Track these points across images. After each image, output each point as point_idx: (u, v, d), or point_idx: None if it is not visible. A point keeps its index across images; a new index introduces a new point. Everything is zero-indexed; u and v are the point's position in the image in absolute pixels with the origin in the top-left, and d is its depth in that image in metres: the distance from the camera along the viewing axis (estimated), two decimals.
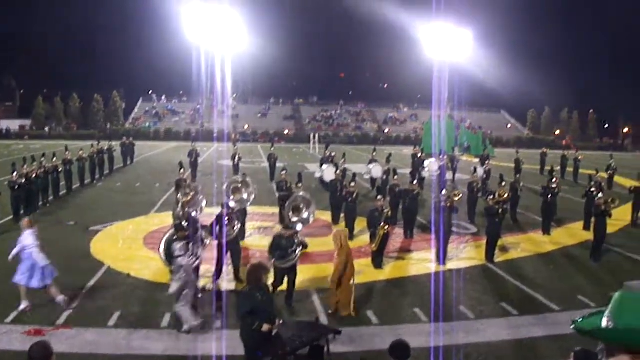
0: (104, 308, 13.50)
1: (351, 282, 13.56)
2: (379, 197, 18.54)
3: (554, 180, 24.38)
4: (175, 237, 12.90)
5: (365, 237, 19.20)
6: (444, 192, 19.07)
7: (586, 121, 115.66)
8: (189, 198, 16.32)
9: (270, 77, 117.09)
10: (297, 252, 13.61)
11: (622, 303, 4.70)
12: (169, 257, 12.95)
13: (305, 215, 13.89)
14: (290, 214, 14.66)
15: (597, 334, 4.94)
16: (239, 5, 75.12)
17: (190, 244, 12.76)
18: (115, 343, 11.67)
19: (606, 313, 4.70)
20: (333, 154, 36.22)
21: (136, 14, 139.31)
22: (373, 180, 31.60)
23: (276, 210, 23.39)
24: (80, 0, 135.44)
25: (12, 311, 13.12)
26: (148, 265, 16.98)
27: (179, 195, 17.64)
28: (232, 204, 16.70)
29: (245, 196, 17.51)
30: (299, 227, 15.01)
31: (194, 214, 15.21)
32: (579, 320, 5.09)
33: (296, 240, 13.82)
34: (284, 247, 13.47)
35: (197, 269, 13.18)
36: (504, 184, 22.11)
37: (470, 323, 13.09)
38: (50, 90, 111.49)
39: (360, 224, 20.80)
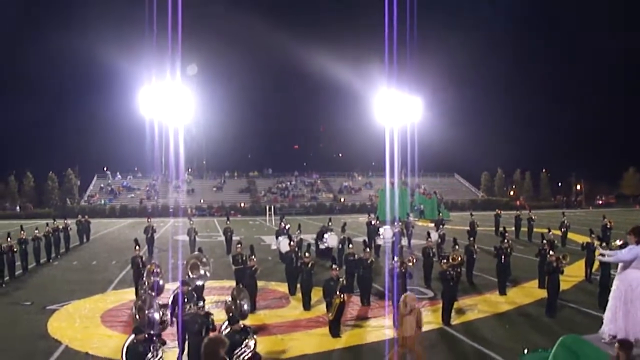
0: None
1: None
2: (334, 266, 18.73)
3: (505, 240, 24.74)
4: (135, 341, 12.88)
5: (322, 307, 19.23)
6: (396, 258, 19.33)
7: (539, 181, 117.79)
8: (152, 267, 16.29)
9: (224, 151, 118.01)
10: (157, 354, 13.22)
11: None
12: None
13: (150, 315, 13.79)
14: (189, 272, 14.49)
15: None
16: (193, 82, 75.85)
17: (152, 346, 12.77)
18: None
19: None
20: (288, 226, 36.36)
21: (90, 92, 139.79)
22: (328, 250, 31.69)
23: (233, 283, 23.41)
24: (36, 77, 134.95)
25: None
26: (106, 344, 16.79)
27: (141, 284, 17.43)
28: (198, 282, 16.70)
29: (202, 272, 17.53)
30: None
31: (157, 281, 15.26)
32: (525, 355, 5.33)
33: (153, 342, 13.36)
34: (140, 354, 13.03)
35: None
36: (457, 247, 22.45)
37: None
38: (2, 169, 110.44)
39: (317, 293, 20.86)
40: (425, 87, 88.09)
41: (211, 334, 9.99)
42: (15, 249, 28.78)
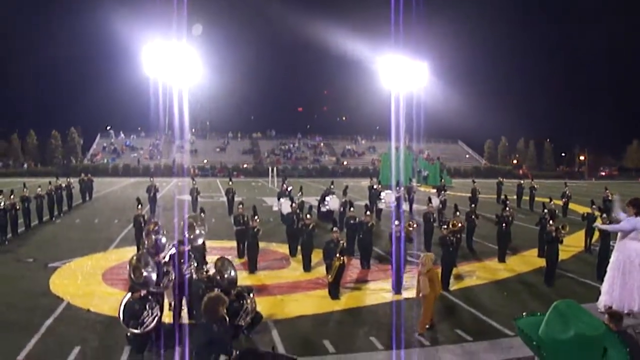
0: (63, 343, 13.53)
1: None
2: (335, 228, 18.83)
3: (507, 208, 24.80)
4: (131, 299, 13.04)
5: (322, 269, 19.37)
6: (396, 222, 19.38)
7: (542, 150, 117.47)
8: (153, 226, 16.31)
9: (228, 111, 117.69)
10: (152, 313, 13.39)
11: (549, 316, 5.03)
12: (128, 320, 12.97)
13: (146, 274, 13.85)
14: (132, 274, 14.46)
15: (522, 335, 5.29)
16: (197, 41, 75.49)
17: (147, 304, 12.94)
18: None
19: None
20: (290, 188, 36.45)
21: (94, 50, 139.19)
22: (330, 213, 31.78)
23: (234, 244, 23.55)
24: (38, 36, 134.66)
25: None
26: (107, 301, 16.94)
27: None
28: (195, 242, 16.74)
29: (198, 232, 17.55)
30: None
31: (158, 240, 15.32)
32: (521, 318, 5.41)
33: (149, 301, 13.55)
34: (137, 312, 13.19)
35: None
36: (458, 213, 22.54)
37: (426, 350, 13.30)
38: (6, 128, 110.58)
39: (317, 255, 20.98)
40: (432, 52, 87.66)
41: (211, 293, 10.06)
42: (18, 207, 28.89)
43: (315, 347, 13.47)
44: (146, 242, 15.27)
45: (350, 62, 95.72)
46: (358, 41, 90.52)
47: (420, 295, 14.37)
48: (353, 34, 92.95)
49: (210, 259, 20.81)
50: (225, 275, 14.06)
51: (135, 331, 12.75)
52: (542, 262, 21.42)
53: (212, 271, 14.38)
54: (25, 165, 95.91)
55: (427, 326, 14.48)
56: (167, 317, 14.61)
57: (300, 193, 33.15)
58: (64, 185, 39.47)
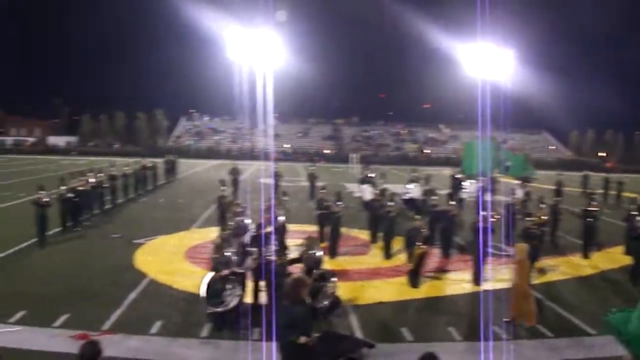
0: (146, 317, 14.03)
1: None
2: (417, 216, 18.76)
3: (593, 203, 24.26)
4: (214, 278, 13.34)
5: (402, 256, 19.38)
6: (482, 213, 19.15)
7: (632, 143, 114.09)
8: (237, 208, 16.54)
9: (311, 97, 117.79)
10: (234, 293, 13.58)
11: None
12: (210, 298, 13.26)
13: (228, 254, 13.99)
14: (214, 254, 14.52)
15: (613, 332, 5.21)
16: (282, 26, 75.81)
17: (228, 284, 13.21)
18: (156, 350, 12.14)
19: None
20: (372, 174, 36.41)
21: (179, 34, 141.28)
22: (412, 201, 31.66)
23: (315, 228, 23.70)
24: (126, 21, 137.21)
25: (60, 315, 13.79)
26: (189, 278, 17.41)
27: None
28: (276, 223, 16.89)
29: (279, 214, 17.70)
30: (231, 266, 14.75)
31: (242, 222, 15.56)
32: (612, 315, 5.34)
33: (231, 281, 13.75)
34: (218, 290, 13.51)
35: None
36: (543, 206, 22.15)
37: (504, 343, 13.18)
38: (95, 108, 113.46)
39: (398, 243, 20.98)
40: (518, 40, 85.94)
41: (295, 275, 10.20)
42: (105, 184, 29.76)
43: (394, 334, 13.53)
44: (230, 224, 15.52)
45: (434, 49, 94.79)
46: (443, 28, 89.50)
47: (513, 285, 14.26)
48: (438, 21, 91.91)
49: (291, 242, 21.09)
50: (310, 253, 14.23)
51: (216, 309, 13.02)
52: (628, 260, 20.92)
53: (292, 255, 14.55)
54: (117, 145, 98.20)
55: (513, 318, 14.26)
56: (248, 297, 14.84)
57: (382, 180, 33.07)
58: (149, 165, 40.36)
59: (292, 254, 14.92)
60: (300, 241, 20.19)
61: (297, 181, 49.51)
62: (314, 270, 13.65)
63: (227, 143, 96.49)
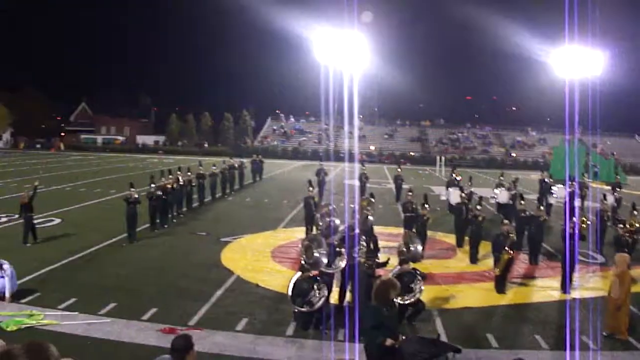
0: (232, 314, 14.30)
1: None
2: (505, 221, 18.50)
3: None
4: (301, 278, 13.48)
5: (489, 261, 19.19)
6: (572, 219, 18.76)
7: None
8: (326, 209, 16.63)
9: (397, 98, 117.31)
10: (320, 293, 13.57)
11: None
12: (296, 298, 13.38)
13: (317, 255, 13.89)
14: (303, 255, 14.50)
15: None
16: (367, 28, 75.85)
17: (315, 285, 13.32)
18: (241, 347, 12.32)
19: None
20: (459, 177, 36.10)
21: (266, 36, 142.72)
22: (499, 205, 31.29)
23: (401, 230, 23.61)
24: (214, 23, 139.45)
25: (148, 309, 14.22)
26: (275, 277, 17.71)
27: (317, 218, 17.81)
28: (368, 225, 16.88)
29: (368, 216, 17.70)
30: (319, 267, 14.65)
31: (331, 223, 15.63)
32: None
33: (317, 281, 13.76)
34: (305, 290, 13.56)
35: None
36: (636, 213, 21.53)
37: (592, 354, 12.89)
38: (182, 108, 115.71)
39: (484, 247, 20.76)
40: (609, 41, 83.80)
41: (384, 277, 10.21)
42: (194, 183, 30.41)
43: (479, 340, 13.38)
44: (319, 224, 15.60)
45: (521, 51, 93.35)
46: (531, 29, 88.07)
47: (611, 296, 13.89)
48: (525, 22, 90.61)
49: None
50: (411, 248, 14.25)
51: (302, 309, 13.13)
52: None
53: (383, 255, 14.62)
54: (207, 144, 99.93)
55: (611, 332, 13.90)
56: (334, 298, 14.91)
57: (469, 183, 32.71)
58: (236, 165, 40.88)
59: (383, 254, 14.93)
60: (383, 243, 20.24)
61: (383, 183, 49.47)
62: (407, 266, 13.72)
63: (312, 144, 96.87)
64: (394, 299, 9.42)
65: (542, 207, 22.71)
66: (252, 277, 17.72)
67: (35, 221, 22.22)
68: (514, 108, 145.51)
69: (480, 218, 21.35)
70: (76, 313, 13.81)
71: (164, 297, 15.43)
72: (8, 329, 12.54)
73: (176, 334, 12.17)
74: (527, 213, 22.81)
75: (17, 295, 14.93)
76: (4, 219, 25.99)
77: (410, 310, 13.59)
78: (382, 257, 15.36)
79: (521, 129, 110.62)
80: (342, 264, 14.54)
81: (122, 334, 12.57)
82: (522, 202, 24.19)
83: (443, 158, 73.77)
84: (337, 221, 16.12)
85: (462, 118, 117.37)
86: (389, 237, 23.72)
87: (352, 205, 17.23)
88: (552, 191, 34.30)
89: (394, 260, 15.31)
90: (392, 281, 9.59)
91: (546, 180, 36.95)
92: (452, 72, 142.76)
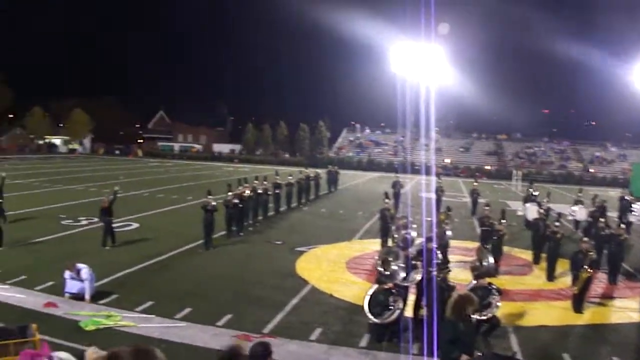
0: (306, 323, 14.35)
1: None
2: (585, 239, 18.15)
3: None
4: (377, 291, 13.45)
5: (567, 279, 18.83)
6: None
7: None
8: (402, 221, 16.61)
9: (473, 111, 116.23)
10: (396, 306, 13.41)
11: None
12: (372, 309, 13.37)
13: (395, 268, 13.73)
14: (380, 267, 14.37)
15: None
16: (444, 40, 75.40)
17: (391, 297, 13.27)
18: (315, 356, 12.36)
19: None
20: (536, 192, 35.54)
21: (342, 47, 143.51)
22: (576, 222, 30.72)
23: (476, 244, 23.36)
24: (292, 35, 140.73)
25: (223, 315, 14.41)
26: (350, 288, 17.69)
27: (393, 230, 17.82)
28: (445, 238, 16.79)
29: (445, 230, 17.62)
30: (396, 280, 14.44)
31: (408, 235, 15.58)
32: None
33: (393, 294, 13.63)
34: (381, 302, 13.41)
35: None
36: None
37: None
38: (259, 118, 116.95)
39: (562, 265, 20.38)
40: None
41: (461, 291, 10.12)
42: (270, 192, 30.64)
43: (554, 359, 13.12)
44: (395, 237, 15.55)
45: (601, 64, 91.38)
46: (611, 43, 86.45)
47: None
48: (606, 36, 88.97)
49: (451, 258, 20.89)
50: (484, 262, 14.13)
51: (377, 321, 13.10)
52: None
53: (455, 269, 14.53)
54: (287, 155, 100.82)
55: None
56: (409, 311, 14.83)
57: (547, 199, 32.17)
58: (312, 175, 41.04)
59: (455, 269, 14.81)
60: (458, 257, 20.04)
61: (459, 197, 49.06)
62: (483, 281, 13.60)
63: (387, 155, 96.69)
64: (471, 314, 9.30)
65: (622, 225, 22.12)
66: (327, 287, 17.75)
67: (114, 225, 22.72)
68: (592, 122, 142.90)
69: (558, 235, 20.96)
70: (152, 316, 14.07)
71: (238, 303, 15.59)
72: (87, 329, 12.86)
73: (251, 341, 12.43)
74: (607, 231, 22.30)
75: (96, 297, 15.32)
76: (84, 222, 26.62)
77: (485, 326, 13.43)
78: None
79: (600, 144, 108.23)
80: (418, 277, 14.46)
81: (196, 339, 12.73)
82: (602, 219, 23.69)
83: (519, 172, 72.71)
84: (414, 234, 16.07)
85: (539, 132, 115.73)
86: (465, 252, 23.51)
87: (428, 219, 17.07)
88: (633, 209, 33.53)
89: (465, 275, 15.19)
90: (469, 296, 9.50)
91: (626, 197, 36.19)
92: (530, 84, 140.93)
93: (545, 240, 22.16)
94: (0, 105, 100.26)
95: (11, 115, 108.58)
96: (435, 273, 14.24)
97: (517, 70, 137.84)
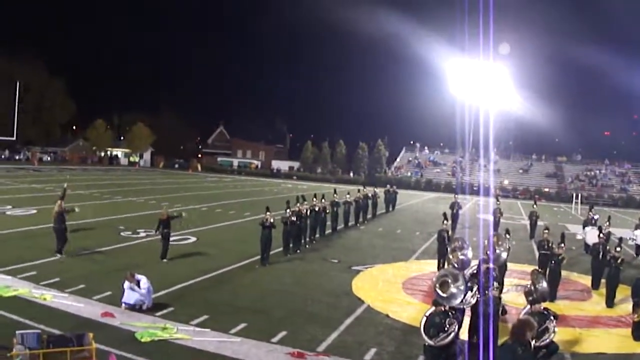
0: (361, 343, 14.31)
1: None
2: None
3: None
4: (433, 313, 13.34)
5: (627, 306, 18.41)
6: None
7: None
8: (458, 243, 16.44)
9: (533, 132, 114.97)
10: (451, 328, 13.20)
11: None
12: (427, 331, 13.28)
13: (453, 290, 13.47)
14: (438, 289, 14.14)
15: None
16: (505, 60, 75.00)
17: (447, 320, 13.14)
18: None
19: None
20: (597, 216, 34.94)
21: (402, 68, 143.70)
22: (638, 247, 30.09)
23: (534, 267, 23.03)
24: (352, 54, 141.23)
25: (278, 332, 14.46)
26: (406, 309, 17.60)
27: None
28: (498, 260, 16.59)
29: (501, 251, 17.37)
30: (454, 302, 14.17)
31: (464, 257, 15.38)
32: None
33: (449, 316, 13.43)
34: (437, 325, 13.22)
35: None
36: None
37: None
38: (317, 136, 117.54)
39: (622, 291, 19.98)
40: None
41: (522, 316, 10.00)
42: (327, 210, 30.69)
43: None
44: (451, 258, 15.39)
45: None
46: None
47: None
48: None
49: (509, 281, 20.64)
50: (538, 287, 13.97)
51: (432, 343, 12.99)
52: None
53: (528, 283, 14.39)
54: (353, 174, 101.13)
55: None
56: (464, 334, 14.67)
57: (607, 223, 31.61)
58: (370, 194, 41.00)
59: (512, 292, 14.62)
60: (516, 281, 19.76)
61: (517, 219, 48.52)
62: (538, 306, 13.42)
63: (446, 176, 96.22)
64: (530, 340, 9.18)
65: None
66: (382, 307, 17.68)
67: (171, 239, 22.98)
68: None
69: (619, 260, 20.54)
70: (207, 330, 14.17)
71: (293, 320, 15.63)
72: (142, 340, 13.00)
73: (305, 359, 12.46)
74: None
75: (152, 309, 15.50)
76: (142, 234, 26.98)
77: (543, 352, 13.22)
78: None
79: None
80: (474, 299, 14.30)
81: (250, 354, 12.77)
82: None
83: (579, 195, 71.69)
84: (470, 255, 15.87)
85: (600, 154, 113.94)
86: (522, 275, 23.21)
87: (486, 241, 16.87)
88: None
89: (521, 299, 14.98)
90: (529, 321, 9.40)
91: None
92: (591, 106, 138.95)
93: (605, 265, 21.74)
94: (64, 117, 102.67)
95: (74, 127, 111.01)
96: (492, 293, 14.08)
97: (579, 91, 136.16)
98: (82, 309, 15.01)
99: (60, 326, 13.19)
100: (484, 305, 14.02)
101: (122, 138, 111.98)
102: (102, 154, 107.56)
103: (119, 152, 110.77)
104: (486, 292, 14.19)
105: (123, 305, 15.46)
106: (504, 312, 14.24)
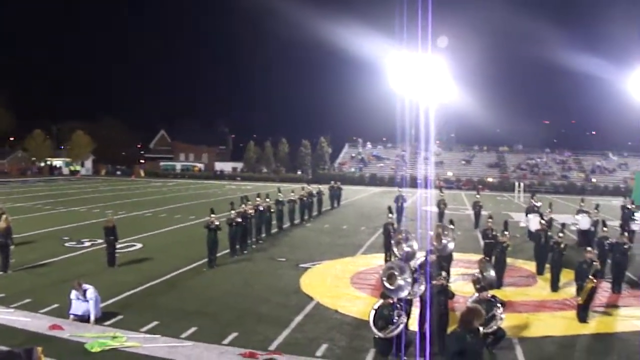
0: (312, 339, 14.41)
1: None
2: (589, 248, 18.15)
3: None
4: (382, 306, 13.49)
5: (571, 290, 18.85)
6: None
7: None
8: (401, 235, 16.59)
9: (474, 124, 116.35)
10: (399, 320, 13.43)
11: None
12: (376, 324, 13.42)
13: (400, 282, 13.71)
14: (385, 281, 14.37)
15: None
16: (443, 53, 75.57)
17: (395, 311, 13.31)
18: None
19: None
20: (539, 204, 35.54)
21: (340, 64, 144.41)
22: (580, 232, 30.67)
23: (479, 256, 23.33)
24: (290, 51, 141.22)
25: (229, 333, 14.49)
26: (355, 304, 17.75)
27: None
28: (444, 251, 16.80)
29: (446, 242, 17.57)
30: (402, 294, 14.41)
31: (409, 249, 15.53)
32: None
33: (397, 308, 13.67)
34: (386, 317, 13.45)
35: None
36: None
37: None
38: (259, 135, 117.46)
39: (566, 275, 20.38)
40: None
41: (470, 304, 10.15)
42: (272, 209, 30.71)
43: None
44: (396, 251, 15.53)
45: (599, 75, 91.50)
46: (610, 52, 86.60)
47: None
48: (605, 45, 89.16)
49: (455, 270, 20.89)
50: (485, 275, 14.17)
51: (381, 335, 13.13)
52: None
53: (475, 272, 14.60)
54: (300, 172, 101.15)
55: None
56: (413, 324, 14.85)
57: (549, 210, 32.13)
58: (314, 191, 41.11)
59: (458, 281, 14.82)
60: (462, 270, 19.99)
61: (462, 209, 49.05)
62: (486, 293, 13.64)
63: (389, 170, 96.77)
64: (478, 327, 9.33)
65: (625, 234, 22.09)
66: (332, 303, 17.82)
67: (117, 245, 22.81)
68: (593, 132, 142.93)
69: (562, 245, 20.95)
70: (158, 336, 14.11)
71: (244, 321, 15.64)
72: (93, 350, 12.89)
73: (257, 359, 12.51)
74: (611, 240, 22.29)
75: (101, 318, 15.35)
76: (87, 244, 26.67)
77: (490, 338, 13.45)
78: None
79: (601, 154, 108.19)
80: (421, 289, 14.46)
81: (203, 358, 12.76)
82: (605, 229, 23.69)
83: (521, 184, 72.69)
84: (416, 246, 16.05)
85: (540, 143, 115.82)
86: (468, 264, 23.52)
87: (430, 232, 17.11)
88: (635, 218, 33.49)
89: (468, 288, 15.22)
90: (477, 309, 9.55)
91: (628, 206, 36.18)
92: (530, 96, 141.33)
93: (548, 251, 22.17)
94: (1, 129, 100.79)
95: (12, 138, 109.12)
96: (440, 282, 14.26)
97: (518, 82, 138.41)
98: (29, 324, 14.80)
99: (7, 342, 12.99)
100: (431, 295, 14.20)
101: (62, 147, 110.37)
102: (42, 164, 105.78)
103: (59, 161, 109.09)
104: (433, 282, 14.38)
105: (71, 316, 15.31)
106: (452, 295, 14.44)
